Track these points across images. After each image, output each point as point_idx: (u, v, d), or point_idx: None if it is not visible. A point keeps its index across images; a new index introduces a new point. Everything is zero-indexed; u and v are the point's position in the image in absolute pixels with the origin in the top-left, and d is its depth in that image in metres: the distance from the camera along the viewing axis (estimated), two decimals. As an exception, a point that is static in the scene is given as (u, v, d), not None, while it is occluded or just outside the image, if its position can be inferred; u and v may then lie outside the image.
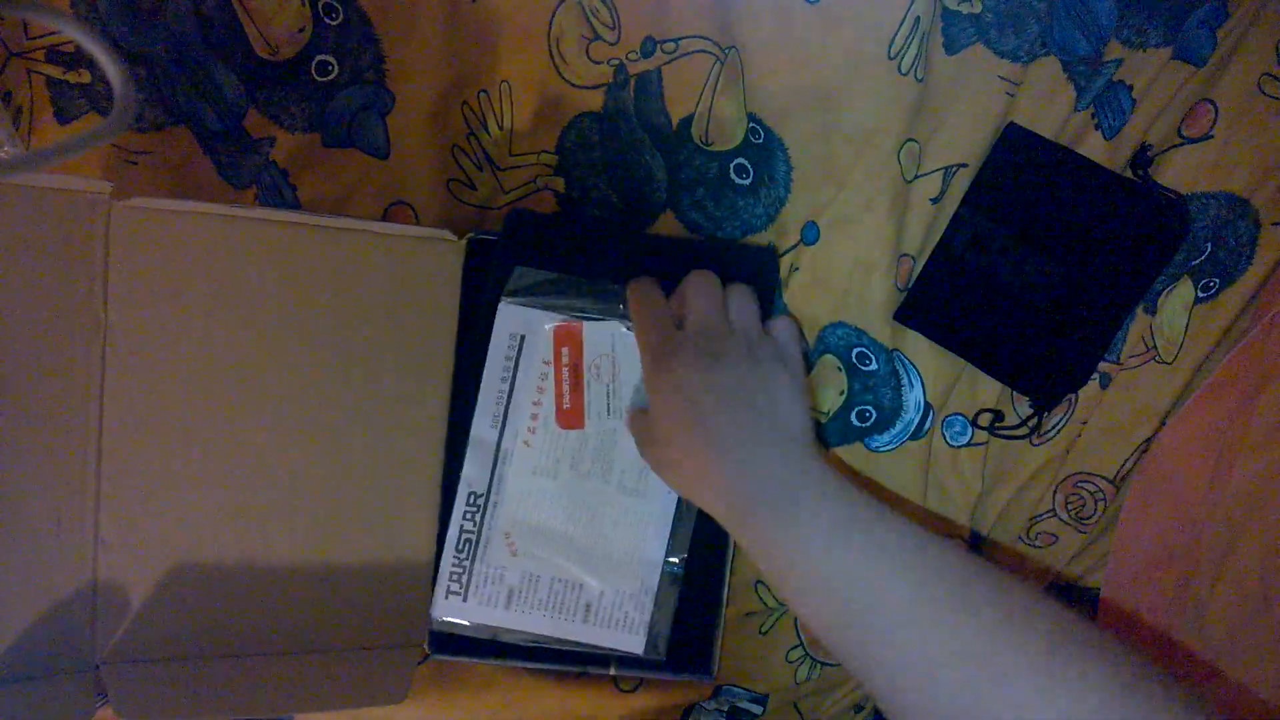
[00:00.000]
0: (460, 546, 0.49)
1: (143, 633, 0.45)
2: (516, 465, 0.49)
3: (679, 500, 0.50)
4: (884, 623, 0.39)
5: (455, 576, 0.49)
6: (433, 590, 0.49)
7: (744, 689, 0.56)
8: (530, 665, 0.51)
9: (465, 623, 0.49)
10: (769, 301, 0.52)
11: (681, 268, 0.49)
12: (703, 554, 0.51)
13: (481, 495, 0.49)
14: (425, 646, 0.50)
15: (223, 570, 0.46)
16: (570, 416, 0.49)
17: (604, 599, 0.49)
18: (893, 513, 0.42)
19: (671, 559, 0.50)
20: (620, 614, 0.50)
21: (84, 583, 0.43)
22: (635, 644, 0.50)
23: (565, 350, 0.48)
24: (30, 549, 0.42)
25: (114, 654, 0.44)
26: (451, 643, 0.50)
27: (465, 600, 0.49)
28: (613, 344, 0.49)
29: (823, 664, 0.57)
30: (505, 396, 0.49)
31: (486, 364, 0.48)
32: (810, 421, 0.47)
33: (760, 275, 0.51)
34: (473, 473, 0.49)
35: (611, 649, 0.50)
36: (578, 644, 0.50)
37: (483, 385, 0.48)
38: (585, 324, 0.48)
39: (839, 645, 0.41)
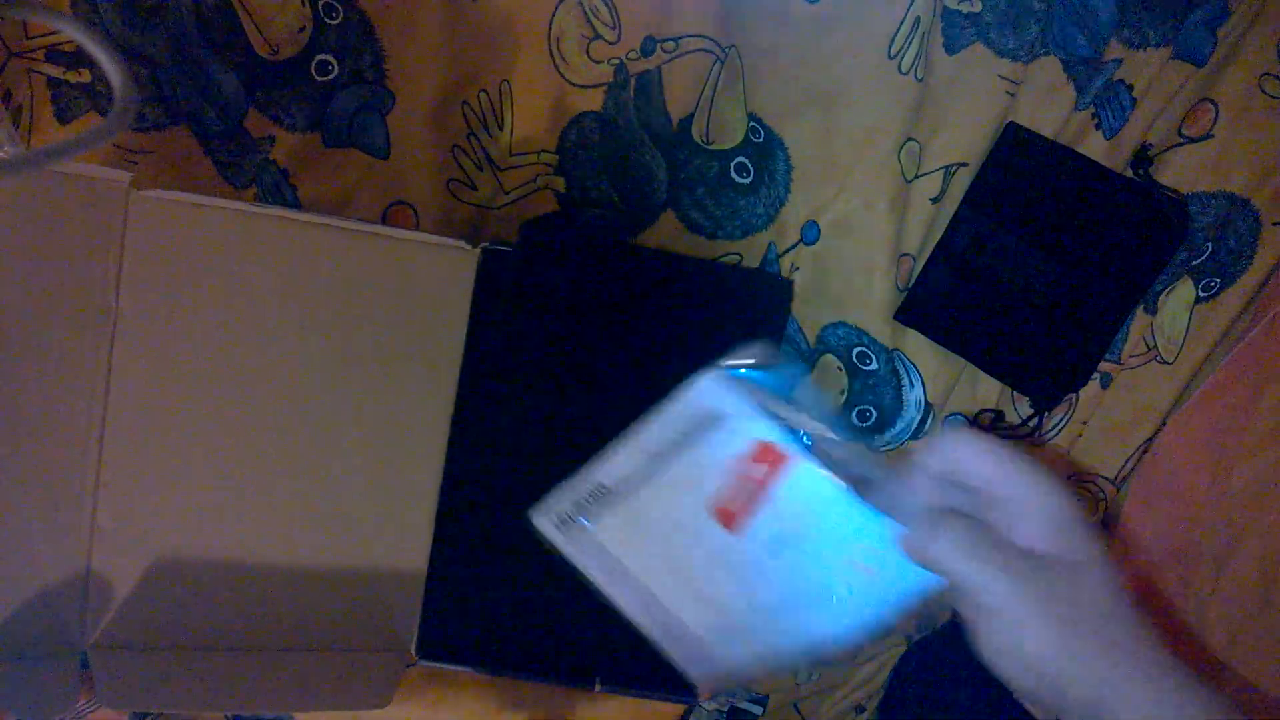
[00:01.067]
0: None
1: (132, 621, 0.44)
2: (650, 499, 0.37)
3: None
4: None
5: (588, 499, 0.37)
6: (424, 587, 0.48)
7: (744, 689, 0.56)
8: (513, 677, 0.50)
9: (588, 525, 0.37)
10: (779, 331, 0.51)
11: (698, 287, 0.49)
12: None
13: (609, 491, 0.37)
14: (412, 652, 0.49)
15: (216, 564, 0.46)
16: (729, 517, 0.37)
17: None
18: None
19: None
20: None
21: (77, 568, 0.43)
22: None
23: (762, 467, 0.37)
24: (25, 531, 0.42)
25: (102, 640, 0.44)
26: (438, 650, 0.49)
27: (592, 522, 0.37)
28: (813, 494, 0.37)
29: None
30: (663, 458, 0.37)
31: (659, 414, 0.38)
32: None
33: (772, 304, 0.51)
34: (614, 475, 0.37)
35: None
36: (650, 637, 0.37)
37: (640, 434, 0.37)
38: (798, 459, 0.37)
39: None
